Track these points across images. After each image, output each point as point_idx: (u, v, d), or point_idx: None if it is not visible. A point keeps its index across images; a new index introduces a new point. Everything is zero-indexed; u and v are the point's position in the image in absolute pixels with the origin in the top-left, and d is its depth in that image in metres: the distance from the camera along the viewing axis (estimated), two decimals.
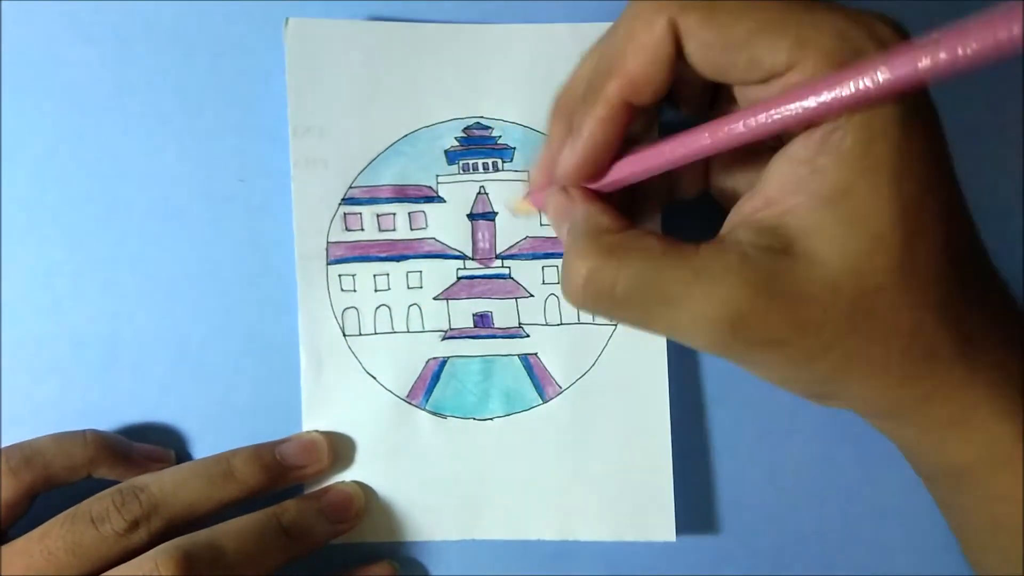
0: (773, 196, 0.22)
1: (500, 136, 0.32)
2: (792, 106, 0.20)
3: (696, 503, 0.32)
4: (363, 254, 0.32)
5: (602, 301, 0.23)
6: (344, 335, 0.32)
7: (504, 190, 0.32)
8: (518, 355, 0.32)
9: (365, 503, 0.31)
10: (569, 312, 0.32)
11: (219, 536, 0.28)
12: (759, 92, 0.22)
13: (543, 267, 0.32)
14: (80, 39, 0.32)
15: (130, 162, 0.32)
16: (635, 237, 0.23)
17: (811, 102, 0.20)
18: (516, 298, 0.32)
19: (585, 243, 0.23)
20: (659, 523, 0.31)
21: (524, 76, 0.32)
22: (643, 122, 0.27)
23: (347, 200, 0.32)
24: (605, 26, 0.31)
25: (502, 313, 0.32)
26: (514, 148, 0.32)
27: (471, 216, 0.32)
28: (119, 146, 0.32)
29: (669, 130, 0.24)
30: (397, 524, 0.32)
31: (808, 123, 0.21)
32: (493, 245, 0.32)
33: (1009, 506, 0.23)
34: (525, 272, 0.32)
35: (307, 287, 0.32)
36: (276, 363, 0.32)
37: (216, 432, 0.32)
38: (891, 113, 0.20)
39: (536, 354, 0.32)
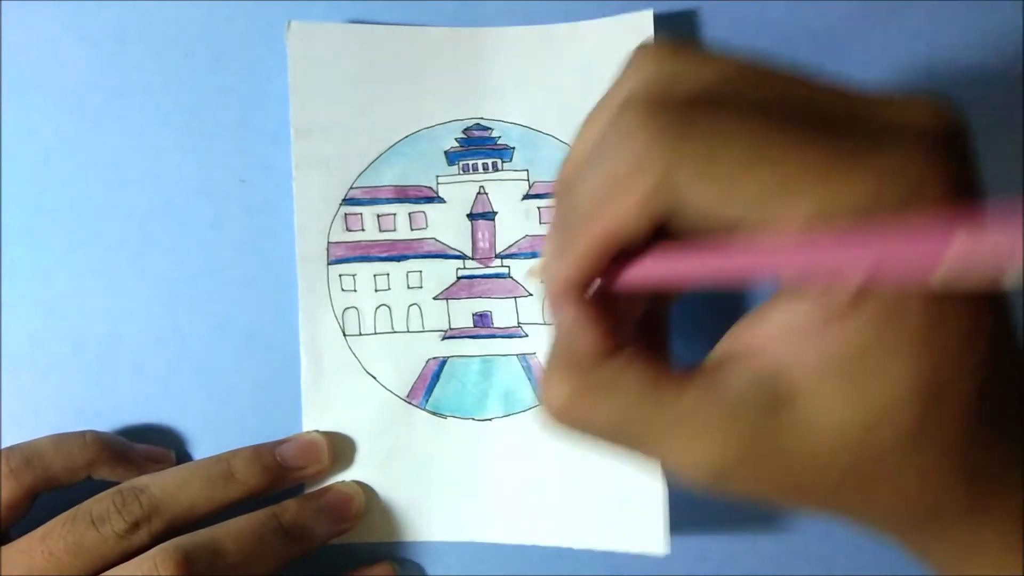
0: (773, 338, 0.19)
1: (500, 137, 0.32)
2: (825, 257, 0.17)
3: (695, 503, 0.32)
4: (363, 254, 0.32)
5: (578, 431, 0.21)
6: (344, 335, 0.32)
7: (504, 190, 0.32)
8: (517, 355, 0.32)
9: (365, 503, 0.31)
10: None
11: (219, 536, 0.28)
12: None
13: (528, 268, 0.32)
14: (80, 39, 0.32)
15: (130, 162, 0.32)
16: (616, 373, 0.20)
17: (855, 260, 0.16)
18: (516, 298, 0.32)
19: (563, 369, 0.21)
20: (650, 536, 0.30)
21: (523, 77, 0.32)
22: None
23: (348, 200, 0.32)
24: (603, 24, 0.31)
25: (502, 313, 0.32)
26: (514, 148, 0.32)
27: (471, 216, 0.32)
28: (119, 146, 0.32)
29: None
30: (396, 524, 0.32)
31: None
32: (493, 245, 0.32)
33: None
34: (525, 271, 0.32)
35: (307, 287, 0.32)
36: (276, 363, 0.32)
37: (216, 432, 0.32)
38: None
39: (535, 354, 0.32)
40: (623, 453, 0.21)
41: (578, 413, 0.21)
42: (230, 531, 0.28)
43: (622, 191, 0.19)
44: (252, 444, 0.31)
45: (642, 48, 0.21)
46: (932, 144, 0.17)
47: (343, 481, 0.32)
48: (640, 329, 0.23)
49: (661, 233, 0.19)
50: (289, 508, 0.30)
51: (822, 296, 0.18)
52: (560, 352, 0.22)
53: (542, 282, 0.30)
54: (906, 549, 0.23)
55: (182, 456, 0.32)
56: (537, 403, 0.32)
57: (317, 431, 0.31)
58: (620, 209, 0.19)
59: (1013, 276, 0.14)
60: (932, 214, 0.16)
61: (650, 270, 0.20)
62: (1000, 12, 0.32)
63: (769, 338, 0.19)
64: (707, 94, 0.19)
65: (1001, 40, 0.32)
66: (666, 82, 0.20)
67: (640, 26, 0.31)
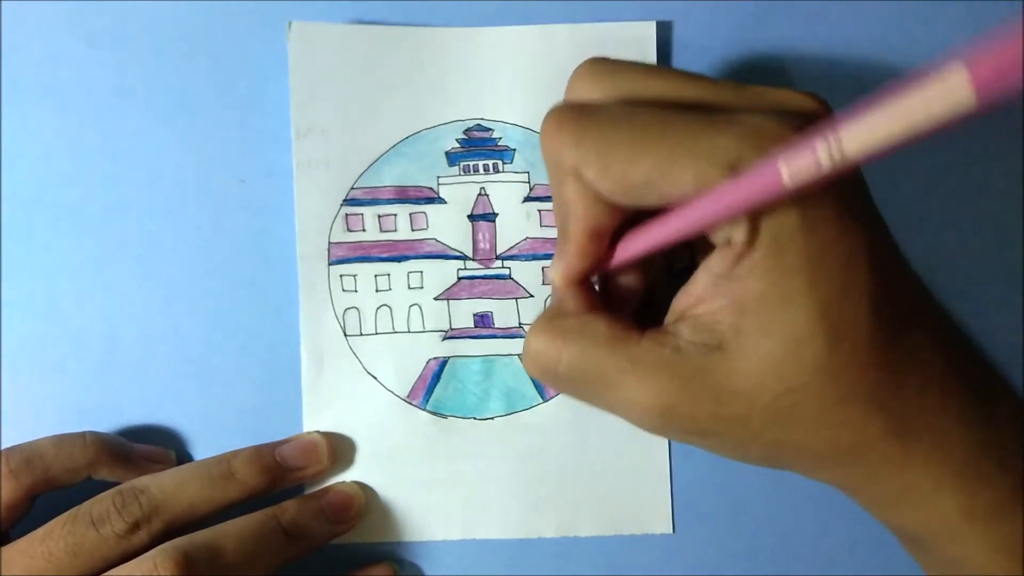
0: (701, 296, 0.23)
1: (500, 138, 0.32)
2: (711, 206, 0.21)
3: (695, 502, 0.32)
4: (364, 254, 0.32)
5: (547, 376, 0.24)
6: (345, 335, 0.32)
7: (505, 191, 0.32)
8: (518, 355, 0.32)
9: (365, 503, 0.31)
10: None
11: (219, 536, 0.28)
12: None
13: (543, 267, 0.32)
14: (80, 39, 0.32)
15: (131, 163, 0.32)
16: (585, 322, 0.24)
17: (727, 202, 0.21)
18: (516, 298, 0.32)
19: (542, 323, 0.24)
20: (657, 517, 0.31)
21: (524, 78, 0.32)
22: None
23: (348, 201, 0.32)
24: (603, 27, 0.31)
25: (502, 313, 0.32)
26: (514, 150, 0.32)
27: (472, 217, 0.32)
28: (119, 147, 0.32)
29: None
30: (397, 524, 0.32)
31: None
32: (493, 246, 0.32)
33: (964, 571, 0.23)
34: (525, 272, 0.32)
35: (308, 287, 0.32)
36: (277, 363, 0.32)
37: (217, 432, 0.32)
38: (795, 221, 0.21)
39: None
40: (584, 397, 0.25)
41: (547, 359, 0.24)
42: (230, 532, 0.28)
43: (566, 189, 0.23)
44: (252, 444, 0.31)
45: (577, 68, 0.25)
46: (784, 115, 0.22)
47: (343, 481, 0.32)
48: (640, 316, 0.26)
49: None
50: (289, 509, 0.30)
51: (725, 247, 0.22)
52: (542, 315, 0.25)
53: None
54: (848, 495, 0.25)
55: (182, 456, 0.32)
56: (539, 401, 0.32)
57: (317, 431, 0.31)
58: (577, 202, 0.23)
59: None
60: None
61: (627, 248, 0.24)
62: (1000, 12, 0.32)
63: (699, 296, 0.23)
64: (606, 103, 0.24)
65: None
66: (581, 96, 0.24)
67: (642, 35, 0.31)
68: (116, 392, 0.32)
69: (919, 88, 0.16)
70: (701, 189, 0.21)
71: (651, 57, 0.31)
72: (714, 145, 0.21)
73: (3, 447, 0.29)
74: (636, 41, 0.31)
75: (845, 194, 0.22)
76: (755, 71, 0.32)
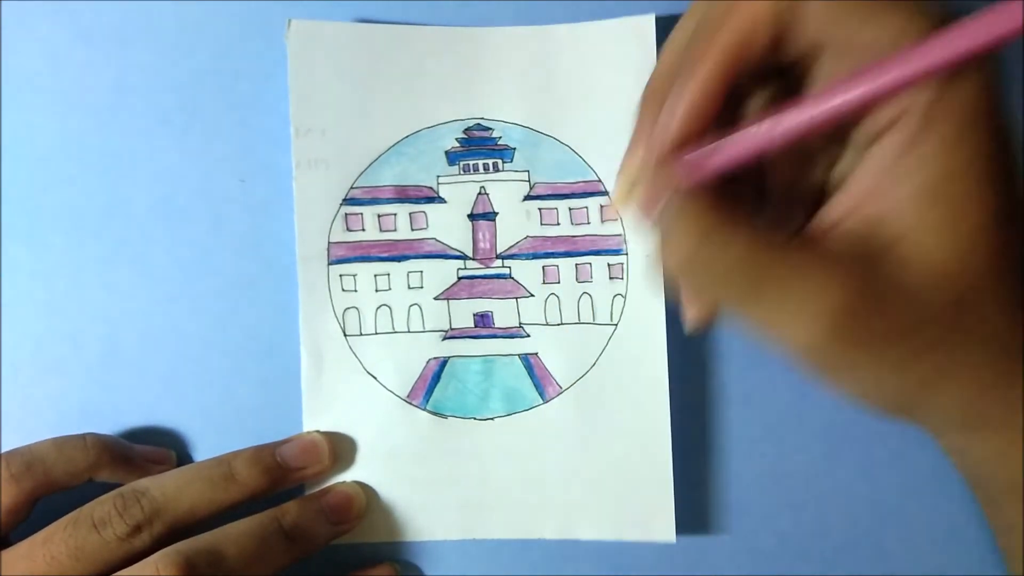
0: (869, 191, 0.21)
1: (500, 137, 0.32)
2: (889, 76, 0.19)
3: (696, 503, 0.32)
4: (364, 254, 0.32)
5: (702, 271, 0.22)
6: (345, 335, 0.32)
7: (505, 190, 0.32)
8: (519, 355, 0.32)
9: (366, 503, 0.31)
10: (569, 312, 0.32)
11: (220, 539, 0.28)
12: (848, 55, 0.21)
13: (543, 267, 0.32)
14: (80, 39, 0.32)
15: (130, 163, 0.32)
16: (739, 218, 0.21)
17: (907, 69, 0.19)
18: (516, 298, 0.32)
19: (690, 215, 0.22)
20: (659, 523, 0.31)
21: (524, 77, 0.32)
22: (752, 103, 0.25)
23: (348, 200, 0.32)
24: (602, 24, 0.31)
25: (503, 313, 0.32)
26: (514, 149, 0.32)
27: (472, 216, 0.32)
28: (119, 147, 0.32)
29: None
30: (397, 524, 0.32)
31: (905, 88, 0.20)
32: (494, 245, 0.32)
33: None
34: (525, 272, 0.32)
35: (308, 287, 0.32)
36: (277, 363, 0.32)
37: (217, 432, 0.32)
38: (982, 98, 0.20)
39: (536, 354, 0.32)
40: (737, 304, 0.22)
41: (714, 244, 0.21)
42: (231, 535, 0.28)
43: (740, 7, 0.21)
44: (253, 445, 0.31)
45: None
46: None
47: (343, 482, 0.32)
48: None
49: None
50: (290, 510, 0.30)
51: (895, 133, 0.20)
52: (680, 210, 0.22)
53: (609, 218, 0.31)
54: (978, 440, 0.23)
55: (183, 457, 0.32)
56: (539, 402, 0.32)
57: (317, 431, 0.31)
58: (743, 13, 0.21)
59: None
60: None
61: (739, 143, 0.22)
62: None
63: (864, 193, 0.21)
64: None
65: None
66: None
67: (641, 30, 0.31)
68: (116, 392, 0.32)
69: None
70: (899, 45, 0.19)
71: (651, 51, 0.31)
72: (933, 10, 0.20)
73: (3, 448, 0.29)
74: (636, 36, 0.31)
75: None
76: None
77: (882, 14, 0.20)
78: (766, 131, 0.21)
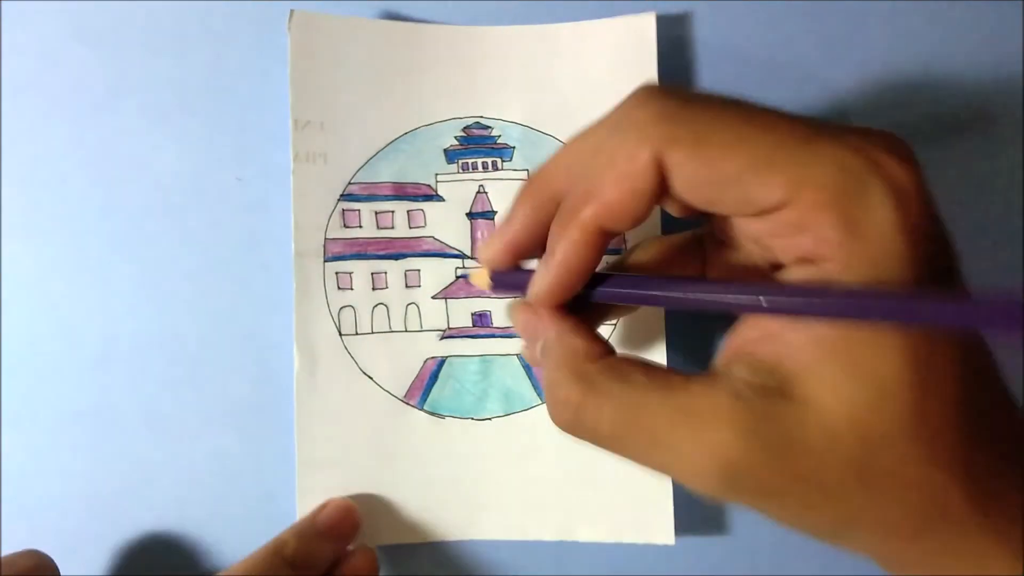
0: (770, 330, 0.20)
1: (499, 136, 0.32)
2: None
3: (696, 503, 0.31)
4: (361, 251, 0.31)
5: (588, 436, 0.22)
6: (340, 334, 0.31)
7: (503, 189, 0.32)
8: (517, 355, 0.31)
9: (360, 515, 0.31)
10: None
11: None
12: (752, 224, 0.20)
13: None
14: (79, 38, 0.32)
15: (128, 161, 0.32)
16: (616, 367, 0.21)
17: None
18: (515, 298, 0.32)
19: (565, 375, 0.22)
20: (658, 526, 0.30)
21: (524, 76, 0.32)
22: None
23: (346, 196, 0.31)
24: (602, 23, 0.31)
25: (501, 312, 0.31)
26: (513, 148, 0.32)
27: (470, 215, 0.32)
28: (117, 145, 0.32)
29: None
30: (395, 525, 0.31)
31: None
32: None
33: None
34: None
35: (303, 284, 0.31)
36: (274, 362, 0.32)
37: (214, 432, 0.32)
38: (890, 250, 0.19)
39: None
40: (634, 457, 0.21)
41: (588, 414, 0.21)
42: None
43: (617, 168, 0.20)
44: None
45: (637, 89, 0.22)
46: (888, 142, 0.19)
47: (335, 498, 0.31)
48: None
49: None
50: (289, 542, 0.29)
51: (797, 273, 0.19)
52: (556, 362, 0.22)
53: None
54: (901, 568, 0.22)
55: (180, 457, 0.31)
56: (538, 402, 0.31)
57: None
58: (617, 186, 0.20)
59: None
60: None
61: (621, 293, 0.22)
62: (1000, 12, 0.32)
63: (766, 330, 0.20)
64: (697, 93, 0.21)
65: (1001, 40, 0.32)
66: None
67: (642, 28, 0.31)
68: (112, 390, 0.32)
69: None
70: (791, 195, 0.19)
71: (651, 49, 0.31)
72: (821, 150, 0.19)
73: (3, 447, 0.28)
74: (636, 35, 0.31)
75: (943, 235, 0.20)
76: (758, 67, 0.32)
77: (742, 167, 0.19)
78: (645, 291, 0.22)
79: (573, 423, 0.21)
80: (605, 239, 0.21)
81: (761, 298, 0.19)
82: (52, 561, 0.29)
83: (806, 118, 0.20)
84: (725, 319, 0.21)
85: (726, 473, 0.19)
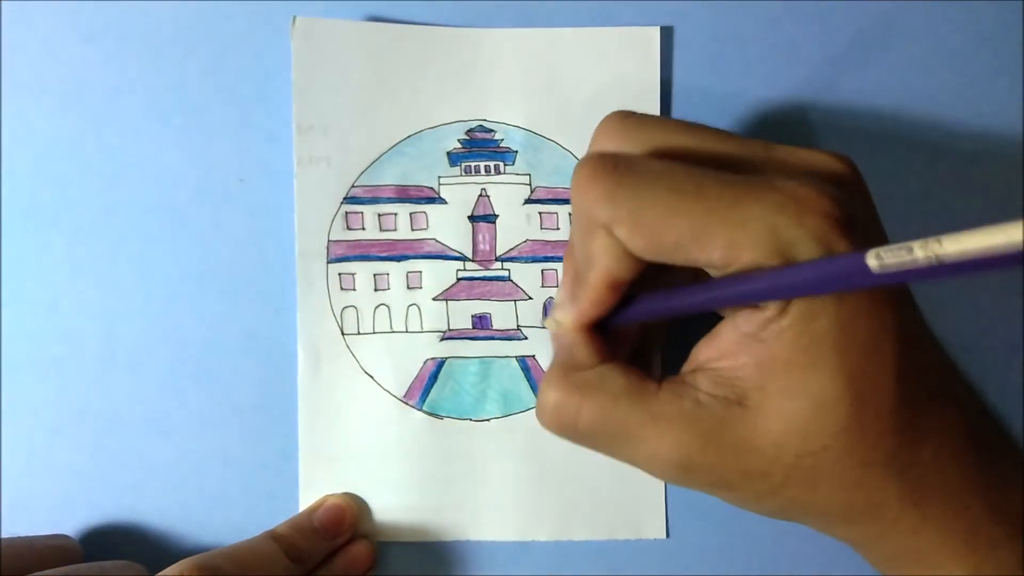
0: (724, 350, 0.23)
1: (502, 139, 0.32)
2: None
3: (694, 503, 0.32)
4: (363, 253, 0.32)
5: (567, 431, 0.24)
6: (343, 334, 0.32)
7: (505, 193, 0.32)
8: (516, 357, 0.32)
9: (358, 512, 0.31)
10: None
11: (232, 556, 0.28)
12: (710, 270, 0.22)
13: (542, 270, 0.32)
14: (80, 38, 0.32)
15: (130, 162, 0.32)
16: (602, 375, 0.24)
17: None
18: (515, 300, 0.32)
19: (557, 375, 0.24)
20: (651, 522, 0.31)
21: (527, 80, 0.32)
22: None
23: (349, 199, 0.32)
24: (607, 31, 0.32)
25: (501, 315, 0.32)
26: (516, 151, 0.32)
27: (472, 218, 0.32)
28: (119, 146, 0.32)
29: None
30: (393, 524, 0.31)
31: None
32: (493, 247, 0.32)
33: None
34: (524, 275, 0.32)
35: (306, 285, 0.31)
36: (275, 362, 0.32)
37: (215, 432, 0.32)
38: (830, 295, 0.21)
39: (534, 356, 0.32)
40: (604, 451, 0.24)
41: (566, 415, 0.24)
42: (243, 552, 0.28)
43: (592, 245, 0.23)
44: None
45: (603, 120, 0.25)
46: (817, 180, 0.21)
47: (333, 494, 0.31)
48: (632, 361, 0.26)
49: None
50: (285, 535, 0.30)
51: (754, 309, 0.22)
52: (555, 365, 0.25)
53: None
54: (853, 548, 0.25)
55: (178, 457, 0.32)
56: (535, 404, 0.31)
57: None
58: (602, 257, 0.23)
59: None
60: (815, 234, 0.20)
61: (638, 310, 0.24)
62: (1000, 12, 0.32)
63: (723, 350, 0.23)
64: (639, 156, 0.23)
65: (1001, 40, 0.32)
66: (608, 148, 0.24)
67: (646, 40, 0.32)
68: (114, 391, 0.32)
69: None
70: (731, 257, 0.21)
71: (654, 61, 0.32)
72: (749, 213, 0.21)
73: (3, 447, 0.28)
74: (640, 46, 0.32)
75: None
76: (756, 78, 0.32)
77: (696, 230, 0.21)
78: (643, 310, 0.24)
79: (552, 419, 0.24)
80: (615, 292, 0.24)
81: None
82: (77, 544, 0.31)
83: (736, 178, 0.22)
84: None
85: (686, 466, 0.23)
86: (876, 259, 0.17)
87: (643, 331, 0.27)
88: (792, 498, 0.23)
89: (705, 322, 0.25)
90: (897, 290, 0.22)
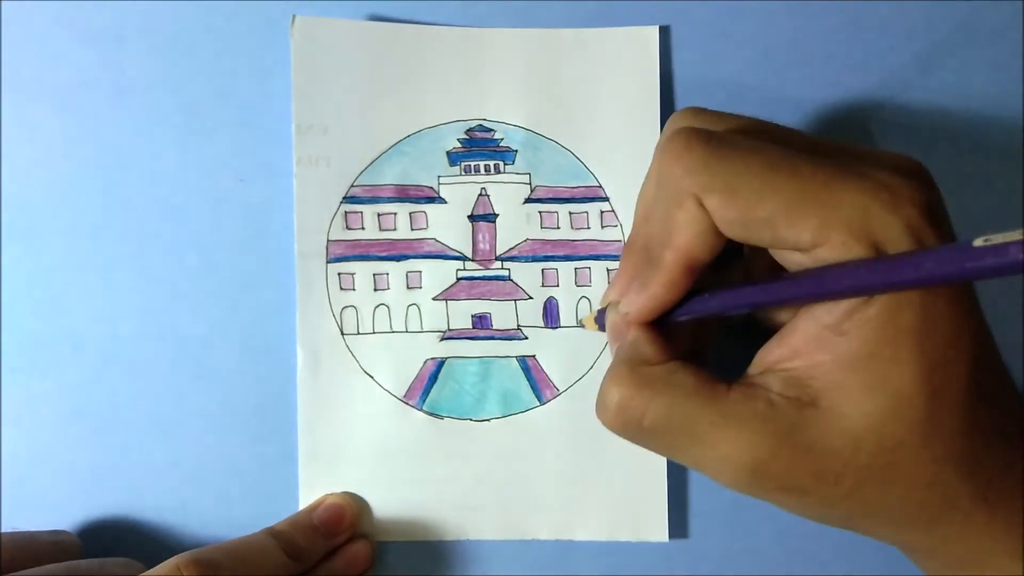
0: (799, 349, 0.22)
1: (502, 139, 0.32)
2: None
3: (694, 503, 0.32)
4: (363, 253, 0.32)
5: (630, 429, 0.23)
6: (342, 334, 0.32)
7: (505, 192, 0.32)
8: (516, 357, 0.32)
9: (358, 511, 0.31)
10: (568, 315, 0.32)
11: (230, 550, 0.28)
12: (791, 255, 0.22)
13: (543, 270, 0.32)
14: (80, 38, 0.32)
15: (130, 162, 0.32)
16: (671, 371, 0.23)
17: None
18: (515, 300, 0.32)
19: (623, 371, 0.23)
20: (653, 524, 0.31)
21: (527, 80, 0.32)
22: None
23: (348, 199, 0.32)
24: (607, 31, 0.32)
25: (501, 315, 0.32)
26: (516, 151, 0.32)
27: (472, 217, 0.32)
28: (119, 146, 0.32)
29: None
30: (393, 525, 0.31)
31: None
32: (493, 247, 0.32)
33: None
34: (525, 274, 0.32)
35: (306, 285, 0.31)
36: (275, 362, 0.32)
37: (215, 431, 0.32)
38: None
39: (534, 356, 0.32)
40: (667, 451, 0.24)
41: (632, 411, 0.23)
42: (239, 548, 0.28)
43: (675, 217, 0.22)
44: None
45: (676, 113, 0.25)
46: (907, 173, 0.21)
47: (333, 493, 0.31)
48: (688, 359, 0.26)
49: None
50: (285, 532, 0.30)
51: (832, 307, 0.21)
52: (620, 360, 0.24)
53: (589, 328, 0.30)
54: (918, 559, 0.25)
55: (178, 457, 0.32)
56: (535, 404, 0.32)
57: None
58: (682, 231, 0.22)
59: None
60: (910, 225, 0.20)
61: (707, 303, 0.24)
62: (999, 12, 0.32)
63: (795, 349, 0.22)
64: (730, 133, 0.23)
65: (1000, 40, 0.32)
66: (698, 124, 0.24)
67: (646, 40, 0.32)
68: (114, 391, 0.32)
69: None
70: (821, 237, 0.20)
71: (653, 61, 0.32)
72: (843, 196, 0.21)
73: (3, 447, 0.28)
74: (640, 46, 0.32)
75: None
76: (758, 77, 0.32)
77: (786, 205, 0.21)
78: (722, 302, 0.23)
79: (615, 417, 0.23)
80: (690, 275, 0.23)
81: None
82: (77, 540, 0.31)
83: (826, 160, 0.21)
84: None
85: (757, 470, 0.22)
86: (985, 245, 0.17)
87: (695, 334, 0.27)
88: (863, 501, 0.22)
89: (752, 329, 0.25)
90: (969, 289, 0.22)
